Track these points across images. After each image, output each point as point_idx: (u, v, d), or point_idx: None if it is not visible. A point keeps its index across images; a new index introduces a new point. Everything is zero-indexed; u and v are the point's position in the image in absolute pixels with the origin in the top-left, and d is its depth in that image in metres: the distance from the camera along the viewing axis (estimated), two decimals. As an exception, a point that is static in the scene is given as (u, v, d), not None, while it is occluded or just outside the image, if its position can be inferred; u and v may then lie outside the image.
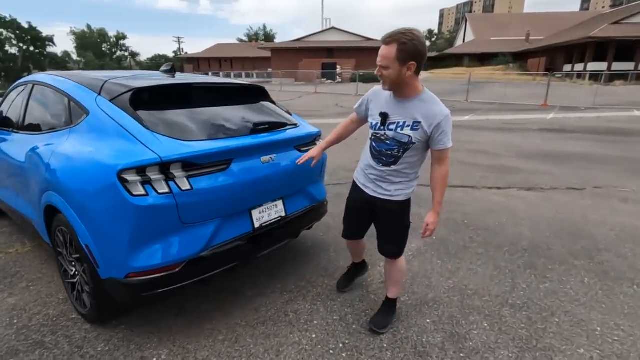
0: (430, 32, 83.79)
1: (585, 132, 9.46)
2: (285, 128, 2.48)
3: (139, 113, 1.95)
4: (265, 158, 2.17)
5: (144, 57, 75.02)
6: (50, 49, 65.18)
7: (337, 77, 33.01)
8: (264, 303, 2.38)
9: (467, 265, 2.87)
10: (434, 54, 49.41)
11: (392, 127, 1.80)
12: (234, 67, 45.82)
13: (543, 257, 2.99)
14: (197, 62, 49.30)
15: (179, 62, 57.93)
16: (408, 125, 1.75)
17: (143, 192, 1.70)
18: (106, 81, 2.15)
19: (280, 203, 2.38)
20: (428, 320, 2.22)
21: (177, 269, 1.84)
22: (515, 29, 44.15)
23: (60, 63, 63.31)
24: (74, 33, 66.87)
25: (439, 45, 70.93)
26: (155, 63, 69.52)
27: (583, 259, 2.96)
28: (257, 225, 2.21)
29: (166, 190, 1.75)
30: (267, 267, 2.83)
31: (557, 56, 32.69)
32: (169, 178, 1.76)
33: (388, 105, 1.83)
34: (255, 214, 2.21)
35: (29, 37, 62.38)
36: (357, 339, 2.06)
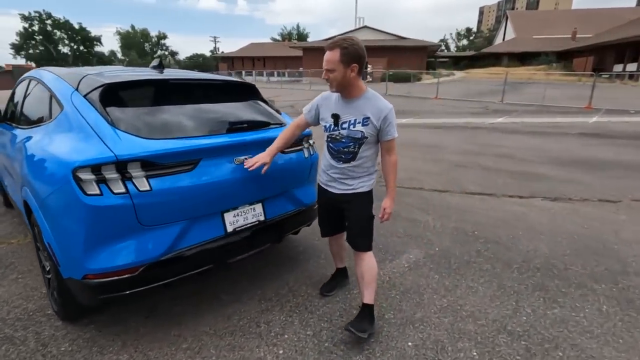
0: (468, 30, 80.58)
1: (630, 137, 8.62)
2: (268, 127, 2.35)
3: (110, 109, 1.89)
4: (239, 159, 2.05)
5: (182, 56, 77.94)
6: (97, 49, 69.49)
7: (368, 76, 32.54)
8: (238, 310, 2.27)
9: (467, 282, 2.61)
10: (470, 53, 47.56)
11: (345, 125, 1.94)
12: (267, 66, 46.45)
13: (557, 278, 2.66)
14: (232, 61, 50.49)
15: (214, 61, 59.69)
16: (359, 122, 1.91)
17: (97, 192, 1.63)
18: (85, 76, 2.11)
19: (258, 206, 2.25)
20: (410, 344, 2.01)
21: (136, 273, 1.77)
22: (561, 27, 41.47)
23: (106, 62, 67.21)
24: (119, 33, 70.76)
25: (477, 44, 68.14)
26: (193, 62, 72.11)
27: (605, 283, 2.60)
28: (230, 229, 2.10)
29: (122, 190, 1.67)
30: (251, 270, 2.72)
31: (606, 55, 30.30)
32: (126, 177, 1.68)
33: (338, 107, 1.97)
34: (229, 217, 2.10)
35: (80, 37, 66.81)
36: (326, 358, 1.90)
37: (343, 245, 2.44)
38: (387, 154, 2.03)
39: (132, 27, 71.82)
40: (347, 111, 1.93)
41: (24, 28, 61.44)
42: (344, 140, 1.95)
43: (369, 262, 2.10)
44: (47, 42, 62.80)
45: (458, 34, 79.06)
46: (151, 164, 1.73)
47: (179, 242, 1.88)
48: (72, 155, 1.68)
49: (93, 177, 1.63)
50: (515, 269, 2.78)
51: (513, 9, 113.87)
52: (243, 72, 43.64)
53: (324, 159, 2.11)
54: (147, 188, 1.72)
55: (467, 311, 2.28)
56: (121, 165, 1.66)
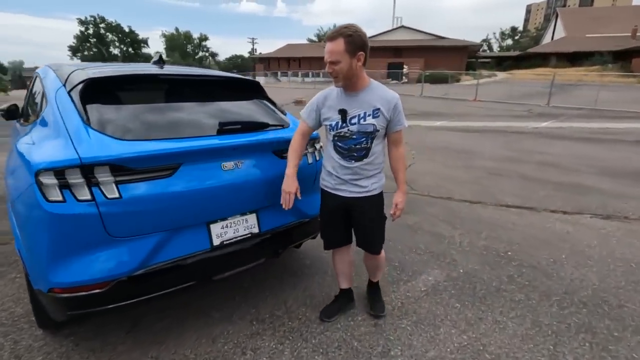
0: (513, 29, 76.21)
1: (702, 147, 7.55)
2: (267, 129, 2.11)
3: (90, 106, 1.73)
4: (227, 164, 1.82)
5: (222, 57, 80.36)
6: (144, 50, 73.23)
7: (403, 77, 31.69)
8: (226, 332, 2.04)
9: (494, 315, 2.22)
10: (515, 53, 45.05)
11: (354, 120, 1.81)
12: (302, 67, 46.61)
13: (609, 317, 2.20)
14: (268, 62, 51.21)
15: (252, 62, 60.92)
16: (369, 115, 1.80)
17: (60, 198, 1.46)
18: (73, 71, 1.98)
19: (252, 217, 2.02)
20: (416, 391, 1.68)
21: (105, 288, 1.58)
22: (619, 24, 38.12)
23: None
24: (164, 35, 74.08)
25: (523, 43, 64.32)
26: (232, 63, 74.08)
27: (672, 328, 2.11)
28: (217, 242, 1.88)
29: (88, 197, 1.49)
30: (248, 284, 2.49)
31: (673, 55, 27.40)
32: (93, 183, 1.49)
33: (343, 102, 1.83)
34: (216, 228, 1.88)
35: (129, 40, 70.80)
36: (315, 402, 1.62)
37: (351, 262, 2.22)
38: (395, 147, 1.94)
39: (176, 29, 74.94)
40: (354, 105, 1.81)
41: (80, 31, 66.04)
42: (354, 136, 1.82)
43: (380, 258, 2.14)
44: (100, 44, 67.06)
45: (502, 33, 75.12)
46: (122, 169, 1.54)
47: (155, 256, 1.68)
48: (38, 156, 1.53)
49: (55, 181, 1.45)
50: (555, 302, 2.34)
51: (564, 6, 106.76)
52: (279, 73, 44.09)
53: (330, 160, 1.95)
54: (116, 195, 1.52)
55: (491, 353, 1.90)
56: (87, 169, 1.48)
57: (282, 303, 2.31)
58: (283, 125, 2.20)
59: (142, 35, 72.76)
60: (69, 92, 1.81)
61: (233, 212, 1.93)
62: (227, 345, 1.94)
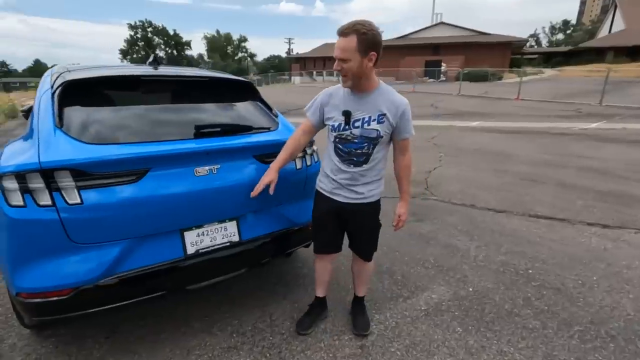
0: (565, 23, 70.75)
1: None
2: (250, 132, 1.99)
3: (67, 109, 1.70)
4: (201, 169, 1.73)
5: (260, 57, 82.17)
6: (187, 52, 76.66)
7: (442, 75, 30.53)
8: (202, 344, 1.95)
9: (500, 344, 1.96)
10: (565, 48, 41.92)
11: (358, 124, 1.70)
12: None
13: (642, 356, 1.87)
14: (304, 62, 51.57)
15: (288, 62, 61.68)
16: (374, 120, 1.68)
17: (21, 203, 1.43)
18: (62, 73, 1.98)
19: (231, 225, 1.91)
20: None
21: (68, 296, 1.54)
22: (691, 14, 34.20)
23: (194, 64, 73.77)
24: (206, 38, 77.07)
25: (575, 38, 59.63)
26: (269, 63, 75.54)
27: None
28: (191, 250, 1.79)
29: (48, 202, 1.45)
30: (236, 293, 2.40)
31: None
32: (53, 188, 1.46)
33: (348, 103, 1.72)
34: (190, 236, 1.79)
35: (173, 42, 74.43)
36: None
37: (331, 270, 2.13)
38: (402, 155, 1.82)
39: (217, 31, 77.73)
40: (359, 107, 1.69)
41: (130, 35, 70.46)
42: (356, 140, 1.72)
43: (370, 264, 2.05)
44: (147, 47, 71.09)
45: (552, 27, 70.19)
46: (84, 174, 1.49)
47: (122, 263, 1.62)
48: (5, 160, 1.52)
49: (17, 186, 1.43)
50: (577, 334, 2.03)
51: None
52: (314, 72, 44.23)
53: (329, 162, 1.84)
54: (77, 201, 1.48)
55: (489, 391, 1.66)
56: (48, 174, 1.44)
57: (268, 315, 2.19)
58: (269, 128, 2.08)
59: (185, 37, 76.50)
60: (51, 95, 1.80)
61: (209, 219, 1.84)
62: (200, 358, 1.85)
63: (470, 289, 2.47)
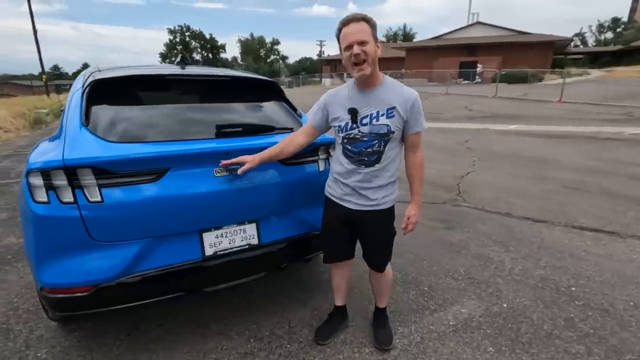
0: (615, 20, 65.98)
1: None
2: (272, 133, 1.94)
3: (95, 108, 1.73)
4: (220, 170, 1.69)
5: (292, 60, 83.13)
6: (222, 55, 78.98)
7: (477, 76, 29.42)
8: (220, 347, 1.92)
9: (538, 369, 1.78)
10: (614, 47, 39.12)
11: (366, 120, 1.60)
12: (368, 68, 45.98)
13: None
14: (335, 64, 51.60)
15: (319, 64, 61.97)
16: (383, 114, 1.59)
17: (45, 199, 1.46)
18: (93, 72, 2.02)
19: (251, 227, 1.87)
20: None
21: (87, 292, 1.55)
22: None
23: (228, 67, 75.88)
24: (240, 41, 79.08)
25: (627, 36, 55.55)
26: (301, 65, 76.27)
27: None
28: (210, 252, 1.76)
29: (71, 199, 1.46)
30: (257, 295, 2.35)
31: None
32: (77, 186, 1.47)
33: (353, 101, 1.63)
34: (209, 237, 1.76)
35: (209, 46, 76.95)
36: None
37: (348, 278, 2.02)
38: (413, 152, 1.71)
39: (251, 35, 79.56)
40: (366, 103, 1.61)
41: (169, 40, 73.69)
42: (366, 139, 1.62)
43: (386, 274, 1.92)
44: (185, 50, 73.96)
45: (600, 25, 65.79)
46: (106, 172, 1.49)
47: (140, 263, 1.61)
48: (34, 157, 1.55)
49: (42, 182, 1.45)
50: (629, 363, 1.81)
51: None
52: (345, 74, 44.11)
53: (338, 166, 1.75)
54: (98, 199, 1.48)
55: (524, 422, 1.50)
56: (70, 172, 1.46)
57: (286, 322, 2.13)
58: (292, 129, 2.02)
59: (221, 41, 78.61)
60: (81, 95, 1.84)
61: (229, 221, 1.80)
62: (216, 363, 1.82)
63: (505, 305, 2.28)
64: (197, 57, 76.03)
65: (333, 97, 1.71)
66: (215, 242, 1.78)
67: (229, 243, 1.81)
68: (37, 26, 20.45)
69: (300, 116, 2.19)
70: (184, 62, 2.25)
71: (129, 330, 2.03)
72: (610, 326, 2.08)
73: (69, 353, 1.88)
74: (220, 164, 1.66)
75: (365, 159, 1.64)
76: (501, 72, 21.21)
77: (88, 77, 1.95)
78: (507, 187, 4.77)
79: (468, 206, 4.12)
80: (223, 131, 1.78)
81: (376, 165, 1.64)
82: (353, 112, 1.61)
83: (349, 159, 1.67)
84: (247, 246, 1.85)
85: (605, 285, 2.50)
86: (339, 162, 1.73)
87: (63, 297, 1.56)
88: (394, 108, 1.57)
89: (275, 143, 1.87)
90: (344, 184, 1.71)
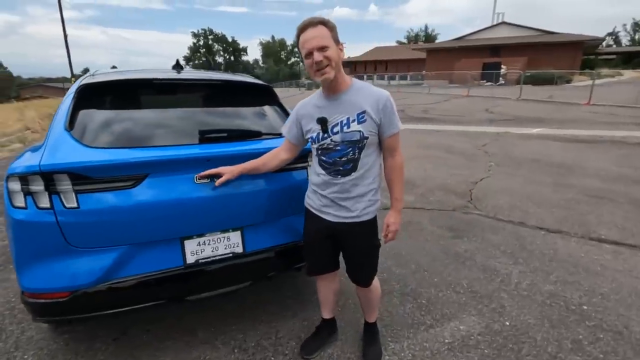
0: (652, 19, 62.90)
1: None
2: (259, 139, 1.89)
3: (82, 112, 1.73)
4: (201, 175, 1.65)
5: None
6: (244, 58, 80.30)
7: (500, 78, 28.57)
8: (204, 356, 1.88)
9: (537, 397, 1.64)
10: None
11: (337, 129, 1.53)
12: (389, 69, 45.65)
13: None
14: (354, 66, 51.42)
15: (339, 66, 61.79)
16: (354, 120, 1.51)
17: (23, 205, 1.46)
18: (85, 77, 2.04)
19: (235, 235, 1.82)
20: None
21: (65, 298, 1.54)
22: None
23: (249, 69, 77.04)
24: (261, 43, 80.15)
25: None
26: (320, 67, 76.31)
27: None
28: (191, 260, 1.73)
29: (47, 205, 1.46)
30: (249, 302, 2.30)
31: None
32: (53, 191, 1.46)
33: (322, 109, 1.56)
34: (191, 245, 1.73)
35: (231, 49, 78.40)
36: None
37: (336, 289, 1.94)
38: (391, 155, 1.61)
39: (272, 37, 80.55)
40: (335, 110, 1.53)
41: (193, 43, 75.62)
42: (339, 147, 1.54)
43: (373, 289, 1.83)
44: (208, 54, 75.72)
45: (635, 24, 62.63)
46: (82, 177, 1.48)
47: (119, 270, 1.59)
48: (16, 162, 1.56)
49: (20, 188, 1.46)
50: (641, 395, 1.64)
51: None
52: (364, 76, 43.89)
53: (315, 177, 1.68)
54: (74, 205, 1.47)
55: None
56: (47, 177, 1.45)
57: (274, 332, 2.07)
58: (281, 134, 1.96)
59: (243, 44, 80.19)
60: (71, 99, 1.85)
61: (212, 228, 1.76)
62: (197, 373, 1.78)
63: (507, 323, 2.14)
64: (220, 59, 77.63)
65: (302, 108, 1.64)
66: (198, 249, 1.74)
67: (212, 251, 1.77)
68: (69, 31, 21.45)
69: (292, 121, 2.13)
70: (179, 67, 2.23)
71: (117, 335, 2.03)
72: (623, 351, 1.90)
73: (55, 356, 1.89)
74: (197, 177, 1.62)
75: (341, 168, 1.56)
76: (526, 74, 20.47)
77: (81, 82, 1.97)
78: (524, 194, 4.55)
79: (479, 214, 3.94)
80: (207, 137, 1.74)
81: (353, 174, 1.55)
82: (322, 122, 1.54)
83: (324, 169, 1.60)
84: (231, 254, 1.81)
85: (621, 304, 2.30)
86: (315, 173, 1.66)
87: (42, 302, 1.56)
88: (364, 112, 1.49)
89: (261, 149, 1.81)
90: (322, 196, 1.63)
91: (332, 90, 1.53)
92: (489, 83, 27.81)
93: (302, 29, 1.43)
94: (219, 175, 1.66)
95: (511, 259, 2.94)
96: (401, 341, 2.00)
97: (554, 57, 27.30)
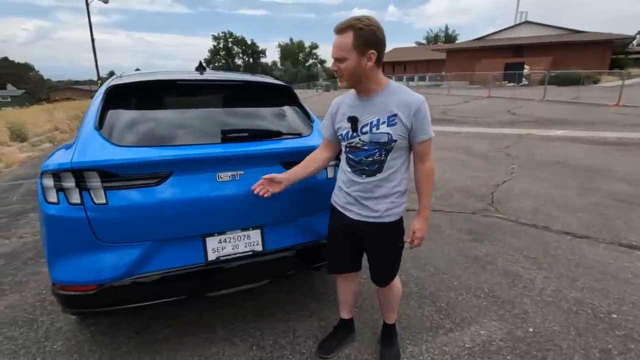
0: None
1: None
2: (279, 138, 1.91)
3: (110, 112, 1.79)
4: (223, 175, 1.69)
5: (330, 63, 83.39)
6: (262, 60, 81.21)
7: (524, 78, 27.80)
8: (222, 352, 1.91)
9: (562, 406, 1.58)
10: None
11: (366, 129, 1.53)
12: (407, 70, 45.17)
13: None
14: (372, 67, 51.02)
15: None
16: (383, 122, 1.50)
17: (55, 200, 1.52)
18: (114, 78, 2.11)
19: (255, 234, 1.85)
20: None
21: (92, 291, 1.60)
22: None
23: (267, 71, 77.83)
24: (279, 46, 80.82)
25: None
26: (338, 69, 76.31)
27: None
28: (212, 257, 1.76)
29: (78, 201, 1.52)
30: (266, 300, 2.33)
31: None
32: (83, 188, 1.52)
33: (354, 109, 1.58)
34: (212, 242, 1.76)
35: (250, 51, 79.41)
36: None
37: (355, 290, 1.93)
38: (421, 162, 1.58)
39: (291, 39, 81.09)
40: (366, 111, 1.53)
41: (213, 46, 77.07)
42: (366, 147, 1.55)
43: (394, 288, 1.82)
44: (227, 56, 76.97)
45: (670, 21, 59.65)
46: (111, 175, 1.53)
47: (143, 265, 1.64)
48: (50, 159, 1.63)
49: (53, 184, 1.52)
50: (675, 409, 1.56)
51: None
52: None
53: (342, 174, 1.69)
54: (103, 201, 1.53)
55: None
56: (78, 174, 1.51)
57: (291, 331, 2.08)
58: (300, 134, 1.97)
59: (262, 46, 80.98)
60: (100, 100, 1.92)
61: (232, 226, 1.79)
62: (216, 369, 1.81)
63: (531, 330, 2.08)
64: (239, 62, 78.77)
65: (338, 106, 1.66)
66: (219, 247, 1.77)
67: (233, 249, 1.80)
68: (96, 36, 22.16)
69: (312, 121, 2.15)
70: (202, 68, 2.29)
71: (139, 329, 2.09)
72: (656, 363, 1.82)
73: (81, 347, 1.96)
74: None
75: (366, 168, 1.57)
76: (550, 74, 19.84)
77: (109, 83, 2.04)
78: (548, 198, 4.41)
79: (500, 217, 3.85)
80: (228, 136, 1.77)
81: (378, 175, 1.56)
82: (353, 121, 1.55)
83: (350, 167, 1.62)
84: (250, 252, 1.83)
85: (654, 314, 2.20)
86: (342, 170, 1.68)
87: (71, 294, 1.62)
88: (395, 115, 1.48)
89: (281, 149, 1.84)
90: (347, 193, 1.64)
91: (362, 92, 1.55)
92: (511, 84, 27.12)
93: (335, 32, 1.45)
94: (239, 172, 1.69)
95: (534, 264, 2.85)
96: (420, 344, 1.97)
97: (581, 57, 26.34)
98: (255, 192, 1.65)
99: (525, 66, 28.25)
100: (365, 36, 1.40)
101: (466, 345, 1.96)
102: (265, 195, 1.65)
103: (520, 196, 4.47)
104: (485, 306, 2.31)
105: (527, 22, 33.63)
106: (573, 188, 4.80)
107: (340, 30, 1.42)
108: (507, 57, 30.13)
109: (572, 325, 2.11)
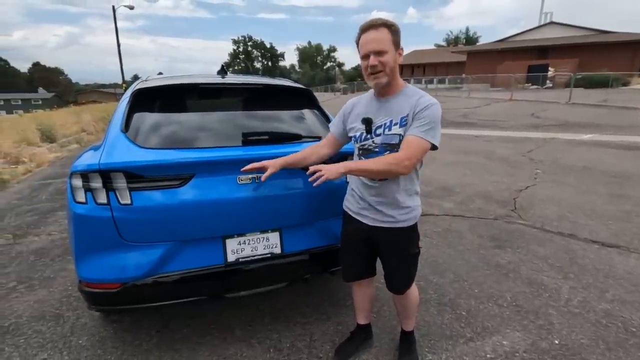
0: None
1: None
2: (299, 141, 1.92)
3: (135, 115, 1.85)
4: (244, 177, 1.70)
5: (348, 66, 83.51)
6: (281, 63, 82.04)
7: (548, 81, 26.98)
8: (240, 354, 1.92)
9: (591, 423, 1.51)
10: None
11: (380, 131, 1.53)
12: (427, 73, 44.64)
13: None
14: (391, 70, 50.69)
15: (375, 70, 61.28)
16: (396, 123, 1.49)
17: (84, 200, 1.58)
18: (140, 81, 2.18)
19: (274, 236, 1.86)
20: None
21: (116, 289, 1.65)
22: None
23: (285, 74, 78.51)
24: (298, 49, 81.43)
25: None
26: (357, 72, 76.39)
27: None
28: (231, 258, 1.78)
29: (104, 201, 1.57)
30: (283, 303, 2.33)
31: None
32: (110, 188, 1.57)
33: (369, 110, 1.57)
34: (231, 244, 1.78)
35: (269, 54, 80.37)
36: None
37: (371, 295, 1.92)
38: (401, 149, 1.46)
39: (309, 42, 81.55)
40: (381, 112, 1.53)
41: (233, 49, 78.37)
42: (377, 149, 1.54)
43: (411, 295, 1.78)
44: (247, 59, 78.12)
45: None
46: (137, 176, 1.57)
47: (165, 264, 1.68)
48: (79, 160, 1.69)
49: (81, 184, 1.58)
50: None
51: None
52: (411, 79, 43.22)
53: (355, 179, 1.67)
54: (128, 202, 1.57)
55: None
56: (105, 175, 1.56)
57: (309, 334, 2.07)
58: (320, 137, 1.97)
59: (280, 49, 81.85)
60: (126, 103, 1.98)
61: (251, 228, 1.81)
62: (234, 369, 1.82)
63: (556, 342, 2.00)
64: (258, 65, 79.79)
65: (352, 106, 1.66)
66: (238, 248, 1.79)
67: (252, 250, 1.81)
68: (122, 40, 22.97)
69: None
70: (224, 72, 2.32)
71: (160, 327, 2.13)
72: (694, 382, 1.72)
73: (105, 343, 2.01)
74: (241, 170, 1.65)
75: None
76: (576, 76, 19.17)
77: (136, 86, 2.10)
78: (574, 204, 4.25)
79: (524, 224, 3.73)
80: (249, 139, 1.79)
81: (389, 177, 1.53)
82: (367, 122, 1.54)
83: None
84: (269, 255, 1.84)
85: (691, 329, 2.08)
86: (355, 176, 1.65)
87: (96, 291, 1.67)
88: (406, 116, 1.47)
89: (287, 153, 1.84)
90: (360, 198, 1.63)
91: (382, 93, 1.54)
92: (535, 86, 26.38)
93: (365, 29, 1.44)
94: (260, 174, 1.69)
95: (560, 273, 2.75)
96: (439, 353, 1.93)
97: (609, 58, 25.35)
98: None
99: (550, 68, 27.42)
100: (397, 33, 1.44)
101: (488, 356, 1.90)
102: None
103: (544, 202, 4.33)
104: (507, 316, 2.24)
105: (552, 23, 32.65)
106: (601, 195, 4.61)
107: (374, 26, 1.42)
108: (530, 59, 29.32)
109: (601, 339, 2.02)
